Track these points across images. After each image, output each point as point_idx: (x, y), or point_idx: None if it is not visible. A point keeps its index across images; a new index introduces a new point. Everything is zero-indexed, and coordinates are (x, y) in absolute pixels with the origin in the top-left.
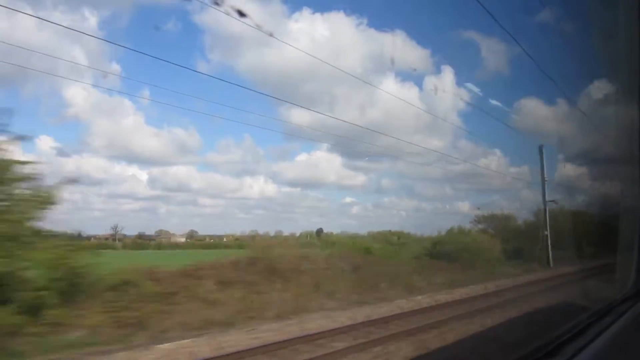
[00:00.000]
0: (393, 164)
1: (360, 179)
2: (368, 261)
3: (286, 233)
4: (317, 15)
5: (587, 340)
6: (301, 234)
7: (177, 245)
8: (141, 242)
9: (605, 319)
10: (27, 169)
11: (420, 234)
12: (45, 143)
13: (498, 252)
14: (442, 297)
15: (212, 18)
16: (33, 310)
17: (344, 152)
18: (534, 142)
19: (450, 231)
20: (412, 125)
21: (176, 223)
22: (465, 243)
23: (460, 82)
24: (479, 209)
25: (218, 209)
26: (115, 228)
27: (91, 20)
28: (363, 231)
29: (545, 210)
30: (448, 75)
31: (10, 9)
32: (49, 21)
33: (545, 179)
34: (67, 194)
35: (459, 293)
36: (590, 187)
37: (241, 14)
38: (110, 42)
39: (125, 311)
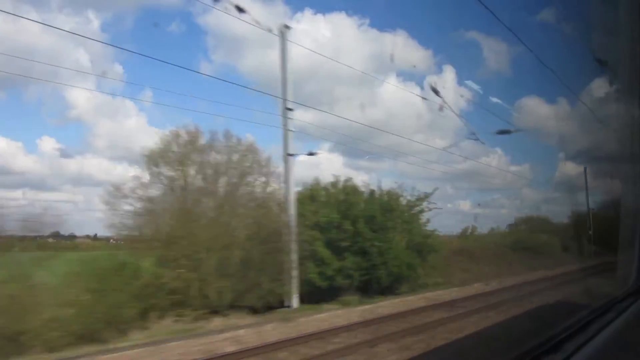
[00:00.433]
0: (394, 163)
1: (361, 178)
2: (490, 252)
3: None
4: (319, 16)
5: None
6: None
7: None
8: None
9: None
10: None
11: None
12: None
13: (557, 246)
14: (542, 273)
15: (215, 19)
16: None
17: (345, 152)
18: (534, 141)
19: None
20: (414, 125)
21: None
22: (536, 239)
23: (461, 81)
24: (479, 204)
25: None
26: None
27: (95, 22)
28: None
29: (589, 213)
30: (449, 74)
31: (15, 15)
32: (51, 26)
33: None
34: None
35: (550, 272)
36: (593, 186)
37: (240, 9)
38: (113, 46)
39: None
